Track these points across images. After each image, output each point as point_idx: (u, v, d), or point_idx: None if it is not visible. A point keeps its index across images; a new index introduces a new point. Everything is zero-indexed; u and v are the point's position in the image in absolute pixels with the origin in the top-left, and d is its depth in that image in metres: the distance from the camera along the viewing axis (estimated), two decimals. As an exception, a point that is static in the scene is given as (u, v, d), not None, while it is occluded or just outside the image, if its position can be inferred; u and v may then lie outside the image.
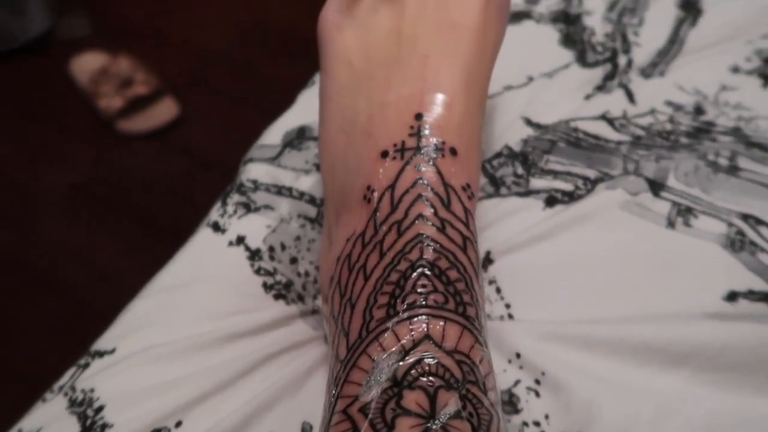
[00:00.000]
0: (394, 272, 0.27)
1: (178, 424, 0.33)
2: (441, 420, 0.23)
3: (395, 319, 0.26)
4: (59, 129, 1.39)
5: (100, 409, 0.33)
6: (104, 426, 0.33)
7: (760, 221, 0.39)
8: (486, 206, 0.43)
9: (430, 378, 0.24)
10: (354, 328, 0.27)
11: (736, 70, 0.50)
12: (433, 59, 0.32)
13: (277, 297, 0.40)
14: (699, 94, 0.48)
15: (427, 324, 0.25)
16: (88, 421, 0.33)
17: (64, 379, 0.36)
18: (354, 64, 0.34)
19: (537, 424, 0.33)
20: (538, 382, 0.34)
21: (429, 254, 0.28)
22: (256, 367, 0.36)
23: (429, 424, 0.22)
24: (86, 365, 0.36)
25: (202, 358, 0.36)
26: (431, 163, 0.30)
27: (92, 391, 0.34)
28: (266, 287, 0.40)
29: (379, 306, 0.27)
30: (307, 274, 0.41)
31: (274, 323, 0.38)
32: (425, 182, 0.29)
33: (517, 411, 0.34)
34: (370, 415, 0.23)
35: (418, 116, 0.31)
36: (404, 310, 0.26)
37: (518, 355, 0.35)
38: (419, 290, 0.27)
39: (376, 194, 0.30)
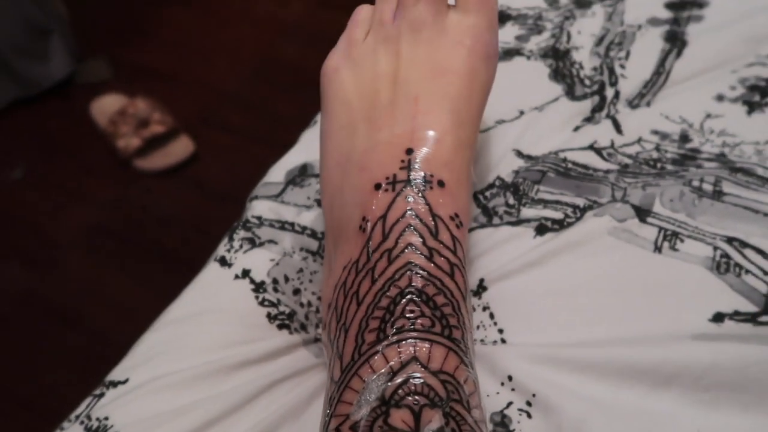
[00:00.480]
0: (384, 298, 0.29)
1: None
2: None
3: (385, 343, 0.28)
4: (80, 169, 1.44)
5: (113, 436, 0.35)
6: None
7: (745, 244, 0.41)
8: (479, 236, 0.45)
9: (416, 397, 0.26)
10: (347, 351, 0.29)
11: (720, 98, 0.52)
12: (423, 100, 0.35)
13: (280, 327, 0.42)
14: (684, 122, 0.50)
15: (415, 347, 0.27)
16: (103, 448, 0.35)
17: (81, 408, 0.38)
18: (352, 104, 0.37)
19: (529, 444, 0.34)
20: (529, 404, 0.36)
21: (417, 281, 0.30)
22: (260, 394, 0.38)
23: None
24: (101, 395, 0.38)
25: (210, 386, 0.38)
26: (420, 194, 0.32)
27: (107, 419, 0.36)
28: (270, 317, 0.42)
29: (370, 330, 0.29)
30: (309, 304, 0.43)
31: (277, 352, 0.40)
32: (414, 213, 0.32)
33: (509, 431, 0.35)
34: None
35: (409, 151, 0.33)
36: (393, 334, 0.28)
37: (510, 378, 0.37)
38: (407, 315, 0.28)
39: (369, 224, 0.32)
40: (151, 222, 1.32)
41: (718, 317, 0.38)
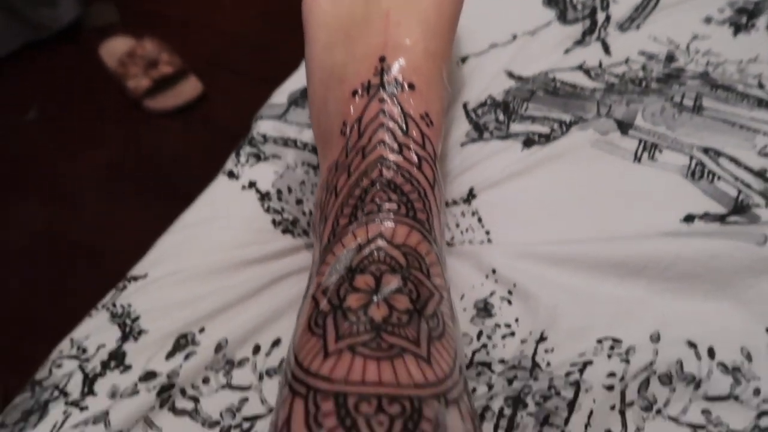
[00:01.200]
0: (357, 189, 0.33)
1: (202, 330, 0.39)
2: (383, 294, 0.28)
3: (355, 224, 0.31)
4: (92, 110, 1.47)
5: (137, 319, 0.40)
6: (140, 332, 0.39)
7: (719, 153, 0.43)
8: (471, 150, 0.48)
9: (379, 265, 0.29)
10: (325, 235, 0.33)
11: (708, 20, 0.53)
12: (394, 14, 0.38)
13: (285, 232, 0.45)
14: (672, 43, 0.52)
15: (381, 226, 0.31)
16: (127, 329, 0.39)
17: (105, 299, 0.43)
18: (330, 26, 0.39)
19: (508, 325, 0.38)
20: (510, 292, 0.39)
21: (387, 173, 0.33)
22: (266, 287, 0.42)
23: (372, 296, 0.28)
24: (124, 287, 0.43)
25: (221, 279, 0.42)
26: (392, 97, 0.35)
27: (129, 306, 0.41)
28: (275, 223, 0.46)
29: (344, 216, 0.32)
30: (311, 213, 0.47)
31: (282, 253, 0.44)
32: (386, 113, 0.35)
33: (491, 315, 0.39)
34: (328, 294, 0.28)
35: (382, 59, 0.36)
36: (363, 217, 0.31)
37: (494, 271, 0.40)
38: (376, 201, 0.32)
39: (347, 126, 0.35)
40: (163, 160, 1.35)
41: (689, 218, 0.41)
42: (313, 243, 0.37)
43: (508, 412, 0.35)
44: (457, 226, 0.44)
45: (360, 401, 0.23)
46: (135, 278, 0.43)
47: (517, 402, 0.35)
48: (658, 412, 0.34)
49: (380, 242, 0.30)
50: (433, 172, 0.35)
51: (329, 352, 0.25)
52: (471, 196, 0.45)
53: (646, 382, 0.35)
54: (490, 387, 0.36)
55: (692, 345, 0.36)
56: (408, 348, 0.26)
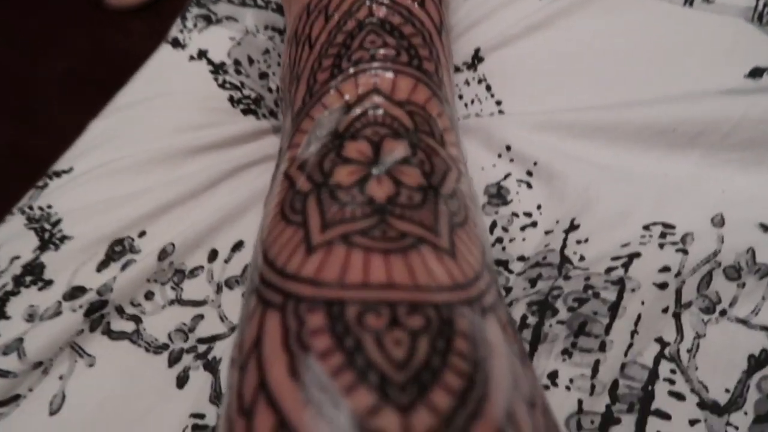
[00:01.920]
0: (340, 34, 0.24)
1: (141, 234, 0.31)
2: (385, 165, 0.20)
3: (340, 78, 0.22)
4: (52, 15, 1.34)
5: (58, 222, 0.32)
6: (63, 238, 0.31)
7: (791, -10, 0.34)
8: (475, 1, 0.38)
9: (376, 128, 0.21)
10: (298, 98, 0.24)
11: None
12: None
13: (246, 112, 0.36)
14: None
15: (375, 77, 0.22)
16: (46, 234, 0.31)
17: (23, 201, 0.34)
18: None
19: (528, 214, 0.30)
20: (529, 173, 0.31)
21: (379, 11, 0.24)
22: (224, 179, 0.33)
23: (370, 168, 0.19)
24: (44, 186, 0.34)
25: (165, 170, 0.33)
26: None
27: (49, 207, 0.32)
28: (233, 101, 0.37)
29: (323, 69, 0.23)
30: (279, 90, 0.38)
31: (243, 137, 0.35)
32: None
33: (506, 203, 0.31)
34: (307, 169, 0.20)
35: None
36: (350, 68, 0.23)
37: (509, 148, 0.32)
38: (367, 46, 0.23)
39: None
40: (129, 63, 1.23)
41: (756, 72, 0.32)
42: (282, 114, 0.28)
43: (532, 320, 0.27)
44: (461, 97, 0.35)
45: (365, 312, 0.16)
46: (57, 174, 0.34)
47: (544, 307, 0.27)
48: (723, 313, 0.27)
49: (376, 98, 0.22)
50: (439, 13, 0.26)
51: (314, 246, 0.18)
52: (477, 59, 0.36)
53: (707, 277, 0.27)
54: (508, 291, 0.28)
55: (766, 228, 0.28)
56: (425, 237, 0.18)
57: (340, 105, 0.22)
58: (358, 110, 0.21)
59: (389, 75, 0.22)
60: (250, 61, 0.38)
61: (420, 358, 0.15)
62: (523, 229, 0.30)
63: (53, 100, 1.24)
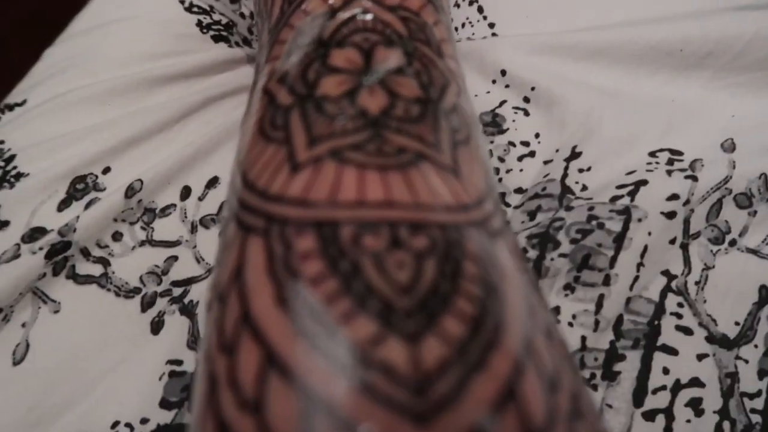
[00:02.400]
0: None
1: (106, 170, 0.28)
2: (377, 75, 0.17)
3: None
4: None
5: (11, 158, 0.29)
6: (19, 175, 0.28)
7: None
8: None
9: (366, 35, 0.18)
10: (276, 7, 0.21)
11: None
12: None
13: (217, 39, 0.33)
14: None
15: None
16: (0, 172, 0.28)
17: (-27, 137, 0.31)
18: None
19: (525, 143, 0.28)
20: (527, 99, 0.29)
21: None
22: (195, 110, 0.31)
23: (360, 77, 0.17)
24: (-5, 120, 0.31)
25: (129, 102, 0.30)
26: None
27: (1, 143, 0.29)
28: (202, 27, 0.33)
29: None
30: (252, 14, 0.35)
31: (214, 66, 0.32)
32: None
33: (502, 131, 0.28)
34: (288, 81, 0.18)
35: None
36: None
37: (504, 73, 0.30)
38: None
39: None
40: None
41: (767, -12, 0.30)
42: (258, 33, 0.26)
43: (533, 254, 0.25)
44: (451, 20, 0.33)
45: (361, 232, 0.14)
46: (9, 107, 0.31)
47: (545, 240, 0.25)
48: (733, 243, 0.25)
49: (365, 2, 0.19)
50: None
51: (300, 163, 0.15)
52: (467, -22, 0.33)
53: (717, 206, 0.26)
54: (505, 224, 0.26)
55: (779, 153, 0.26)
56: (426, 153, 0.16)
57: (323, 10, 0.19)
58: (344, 15, 0.19)
59: None
60: (220, -18, 0.35)
61: (427, 281, 0.13)
62: (520, 159, 0.28)
63: (13, 43, 1.17)
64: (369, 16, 0.19)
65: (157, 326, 0.26)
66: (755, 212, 0.26)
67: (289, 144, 0.16)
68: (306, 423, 0.11)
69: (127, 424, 0.24)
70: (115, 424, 0.24)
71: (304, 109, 0.17)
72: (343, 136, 0.16)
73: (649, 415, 0.23)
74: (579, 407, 0.13)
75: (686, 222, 0.25)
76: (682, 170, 0.26)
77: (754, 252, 0.25)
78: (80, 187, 0.28)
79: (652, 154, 0.27)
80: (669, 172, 0.26)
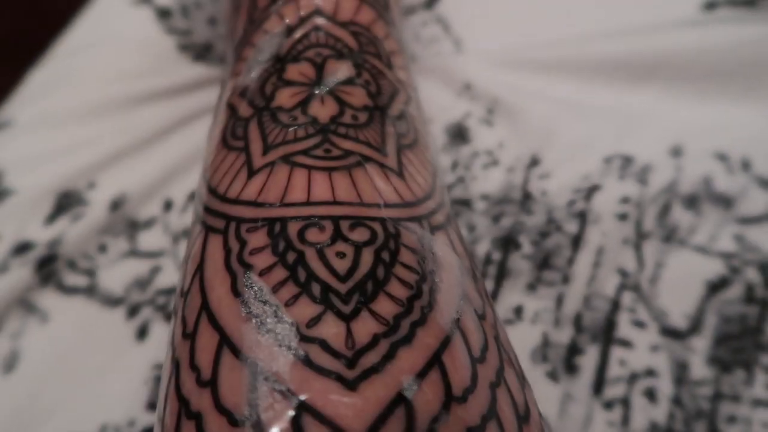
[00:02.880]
0: None
1: (91, 185, 0.30)
2: (327, 85, 0.19)
3: (280, 2, 0.22)
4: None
5: (0, 175, 0.30)
6: (6, 191, 0.29)
7: None
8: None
9: (319, 49, 0.20)
10: (239, 28, 0.23)
11: None
12: None
13: (196, 59, 0.35)
14: None
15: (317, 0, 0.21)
16: (-13, 189, 0.30)
17: (-40, 156, 0.32)
18: None
19: (489, 153, 0.30)
20: (490, 111, 0.31)
21: None
22: (176, 127, 0.32)
23: (313, 89, 0.19)
24: (-19, 139, 0.32)
25: (112, 119, 0.31)
26: None
27: (-11, 160, 0.31)
28: (181, 48, 0.35)
29: None
30: (230, 34, 0.36)
31: (194, 85, 0.34)
32: None
33: (467, 141, 0.30)
34: (248, 95, 0.19)
35: None
36: None
37: (468, 87, 0.31)
38: None
39: None
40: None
41: (710, 5, 0.32)
42: (226, 50, 0.27)
43: (497, 256, 0.27)
44: (417, 38, 0.34)
45: (307, 227, 0.16)
46: (-4, 126, 0.32)
47: (507, 243, 0.27)
48: (682, 242, 0.27)
49: (318, 20, 0.21)
50: None
51: (255, 169, 0.17)
52: (433, -2, 0.35)
53: (666, 207, 0.27)
54: (472, 229, 0.28)
55: (722, 157, 0.28)
56: (371, 156, 0.18)
57: (281, 29, 0.21)
58: (299, 32, 0.21)
59: None
60: (197, 5, 0.36)
61: (364, 268, 0.15)
62: (485, 168, 0.30)
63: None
64: (322, 32, 0.21)
65: (142, 333, 0.27)
66: (701, 212, 0.27)
67: (247, 151, 0.18)
68: (253, 393, 0.13)
69: (115, 427, 0.25)
70: (104, 427, 0.25)
71: (261, 119, 0.19)
72: (295, 143, 0.18)
73: (608, 405, 0.25)
74: (504, 380, 0.15)
75: (638, 223, 0.27)
76: (634, 174, 0.28)
77: (701, 249, 0.27)
78: (66, 202, 0.29)
79: (606, 159, 0.29)
80: (621, 177, 0.28)
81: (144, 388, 0.26)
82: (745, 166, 0.28)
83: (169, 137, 0.32)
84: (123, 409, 0.25)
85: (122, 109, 0.32)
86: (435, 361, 0.14)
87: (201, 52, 0.35)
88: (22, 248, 0.28)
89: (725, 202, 0.28)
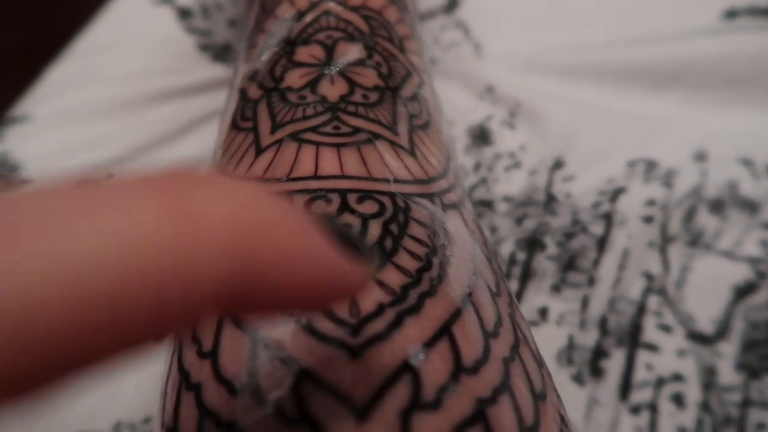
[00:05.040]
0: None
1: (110, 178, 0.29)
2: (337, 66, 0.19)
3: None
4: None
5: (16, 168, 0.29)
6: (22, 183, 0.29)
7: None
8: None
9: (329, 32, 0.20)
10: (252, 18, 0.23)
11: None
12: None
13: (215, 59, 0.35)
14: None
15: None
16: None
17: (-23, 150, 0.32)
18: None
19: (511, 155, 0.30)
20: (512, 114, 0.31)
21: None
22: (195, 125, 0.32)
23: (323, 69, 0.19)
24: (-1, 133, 0.32)
25: (132, 115, 0.31)
26: None
27: (7, 154, 0.30)
28: (201, 48, 0.35)
29: None
30: (249, 36, 0.36)
31: (215, 83, 0.34)
32: None
33: (489, 143, 0.30)
34: (258, 78, 0.19)
35: None
36: None
37: (490, 90, 0.31)
38: None
39: None
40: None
41: (731, 14, 0.32)
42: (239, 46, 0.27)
43: (521, 257, 0.27)
44: (437, 42, 0.34)
45: (314, 200, 0.16)
46: (13, 121, 0.32)
47: (532, 244, 0.27)
48: (708, 246, 0.27)
49: (329, 5, 0.21)
50: None
51: (263, 147, 0.17)
52: (453, 3, 0.35)
53: (692, 211, 0.27)
54: (494, 230, 0.28)
55: (747, 162, 0.28)
56: (382, 133, 0.17)
57: (292, 14, 0.21)
58: (310, 17, 0.21)
59: None
60: (219, 8, 0.36)
61: (371, 240, 0.15)
62: (507, 170, 0.29)
63: (3, 78, 1.18)
64: (332, 18, 0.21)
65: None
66: (727, 217, 0.27)
67: (256, 131, 0.18)
68: (252, 361, 0.13)
69: (130, 424, 0.24)
70: (118, 424, 0.24)
71: (270, 100, 0.19)
72: (304, 121, 0.17)
73: (635, 409, 0.24)
74: (519, 356, 0.15)
75: (663, 226, 0.27)
76: (659, 178, 0.28)
77: (727, 254, 0.27)
78: (83, 197, 0.29)
79: (630, 163, 0.28)
80: (646, 180, 0.28)
81: (159, 385, 0.25)
82: (771, 171, 0.28)
83: (188, 135, 0.31)
84: (138, 406, 0.24)
85: (140, 107, 0.32)
86: (444, 332, 0.14)
87: (220, 53, 0.35)
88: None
89: (750, 207, 0.27)
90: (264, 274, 0.08)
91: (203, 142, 0.31)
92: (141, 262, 0.07)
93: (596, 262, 0.26)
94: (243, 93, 0.20)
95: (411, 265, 0.15)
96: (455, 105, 0.31)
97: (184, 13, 0.36)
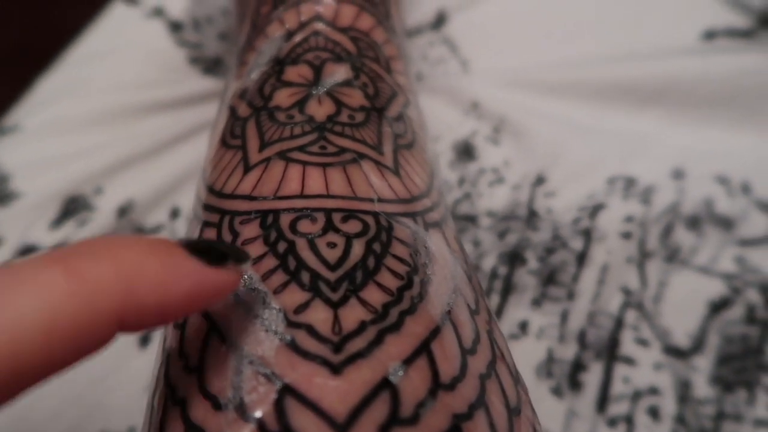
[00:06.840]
0: None
1: (98, 190, 0.30)
2: (325, 86, 0.20)
3: (281, 8, 0.22)
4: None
5: (6, 178, 0.30)
6: (12, 195, 0.29)
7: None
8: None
9: (318, 53, 0.21)
10: (243, 35, 0.24)
11: None
12: None
13: (206, 72, 0.35)
14: None
15: (318, 5, 0.22)
16: (-7, 192, 0.29)
17: (-34, 159, 0.32)
18: None
19: (495, 170, 0.30)
20: (497, 130, 0.31)
21: None
22: (185, 137, 0.32)
23: (310, 89, 0.19)
24: (-11, 143, 0.32)
25: (122, 126, 0.32)
26: None
27: (-3, 164, 0.30)
28: (192, 61, 0.35)
29: (266, 3, 0.23)
30: (240, 49, 0.37)
31: (204, 96, 0.34)
32: None
33: (473, 158, 0.31)
34: (247, 96, 0.20)
35: None
36: None
37: (476, 105, 0.32)
38: None
39: None
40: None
41: (709, 34, 0.33)
42: (230, 62, 0.28)
43: (503, 271, 0.27)
44: (425, 58, 0.35)
45: (299, 219, 0.16)
46: (3, 131, 0.32)
47: (513, 258, 0.27)
48: (684, 262, 0.27)
49: (318, 25, 0.22)
50: None
51: (251, 165, 0.18)
52: (440, 21, 0.36)
53: (669, 228, 0.28)
54: (477, 244, 0.28)
55: (723, 180, 0.29)
56: (367, 153, 0.18)
57: (281, 33, 0.22)
58: (299, 36, 0.21)
59: (332, 2, 0.22)
60: (209, 20, 0.37)
61: (354, 258, 0.15)
62: (490, 185, 0.30)
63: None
64: (321, 39, 0.21)
65: (145, 340, 0.27)
66: (703, 234, 0.28)
67: (244, 149, 0.18)
68: (237, 377, 0.13)
69: None
70: None
71: (259, 118, 0.19)
72: (291, 140, 0.18)
73: (612, 422, 0.25)
74: (495, 372, 0.15)
75: (641, 242, 0.28)
76: (637, 195, 0.29)
77: (703, 270, 0.27)
78: (72, 207, 0.29)
79: (610, 180, 0.29)
80: (625, 197, 0.28)
81: (145, 396, 0.25)
82: (745, 189, 0.29)
83: (178, 146, 0.32)
84: (123, 417, 0.25)
85: (131, 118, 0.32)
86: (423, 349, 0.14)
87: (211, 66, 0.36)
88: (26, 252, 0.28)
89: (726, 224, 0.28)
90: (145, 301, 0.11)
91: (193, 155, 0.32)
92: (55, 320, 0.10)
93: (576, 277, 0.27)
94: (233, 110, 0.20)
95: (392, 283, 0.15)
96: (441, 120, 0.32)
97: (176, 26, 0.36)
